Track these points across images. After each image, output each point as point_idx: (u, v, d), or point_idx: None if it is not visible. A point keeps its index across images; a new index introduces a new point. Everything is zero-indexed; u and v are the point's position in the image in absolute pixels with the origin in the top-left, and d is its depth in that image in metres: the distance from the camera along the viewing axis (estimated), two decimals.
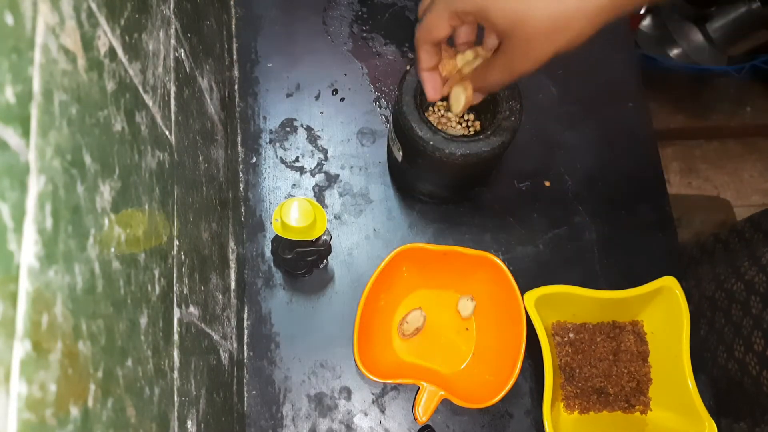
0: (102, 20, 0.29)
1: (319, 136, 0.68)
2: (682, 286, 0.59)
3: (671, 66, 1.39)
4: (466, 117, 0.61)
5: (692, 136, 1.48)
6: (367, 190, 0.66)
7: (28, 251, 0.21)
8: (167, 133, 0.39)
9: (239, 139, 0.67)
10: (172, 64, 0.42)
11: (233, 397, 0.54)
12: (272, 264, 0.63)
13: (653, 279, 0.59)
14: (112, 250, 0.28)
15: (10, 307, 0.19)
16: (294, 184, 0.66)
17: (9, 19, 0.21)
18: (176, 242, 0.40)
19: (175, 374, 0.37)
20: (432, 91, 0.50)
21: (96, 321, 0.26)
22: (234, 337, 0.56)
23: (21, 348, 0.20)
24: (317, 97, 0.69)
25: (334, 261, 0.63)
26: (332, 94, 0.69)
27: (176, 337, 0.38)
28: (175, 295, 0.38)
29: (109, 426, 0.26)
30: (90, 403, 0.25)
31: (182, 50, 0.45)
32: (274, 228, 0.52)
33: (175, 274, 0.39)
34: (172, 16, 0.43)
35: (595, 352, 0.61)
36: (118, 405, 0.28)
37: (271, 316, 0.62)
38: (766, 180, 1.48)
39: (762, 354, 0.63)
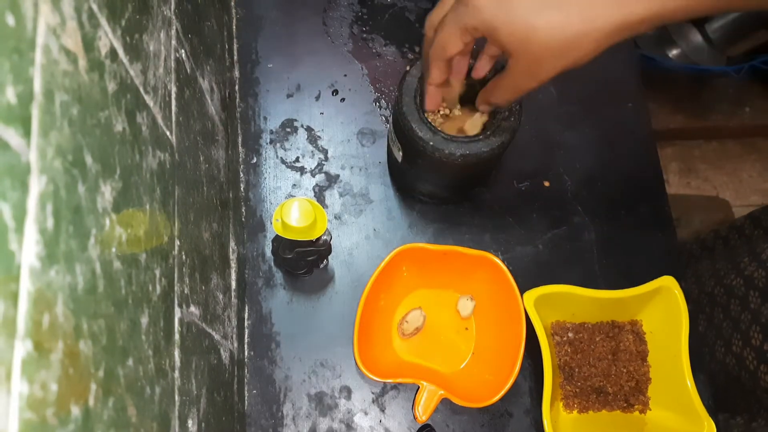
0: (103, 21, 0.29)
1: (319, 137, 0.68)
2: (681, 286, 0.59)
3: (671, 66, 1.39)
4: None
5: (691, 136, 1.48)
6: (367, 190, 0.66)
7: (29, 251, 0.21)
8: (168, 133, 0.39)
9: (240, 139, 0.67)
10: (172, 65, 0.42)
11: (234, 396, 0.54)
12: (273, 264, 0.63)
13: (652, 279, 0.59)
14: (113, 250, 0.28)
15: (11, 307, 0.19)
16: (294, 185, 0.66)
17: (10, 20, 0.21)
18: (177, 242, 0.40)
19: (176, 374, 0.37)
20: (432, 105, 0.54)
21: (97, 321, 0.26)
22: (235, 336, 0.57)
23: (22, 347, 0.20)
24: (317, 98, 0.69)
25: (334, 261, 0.63)
26: (332, 94, 0.70)
27: (177, 336, 0.38)
28: (176, 294, 0.38)
29: (110, 425, 0.26)
30: (91, 402, 0.25)
31: (183, 51, 0.45)
32: (274, 228, 0.52)
33: (176, 274, 0.39)
34: (173, 17, 0.43)
35: (594, 352, 0.61)
36: (119, 404, 0.28)
37: (272, 315, 0.62)
38: (765, 180, 1.48)
39: (759, 348, 0.63)
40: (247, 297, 0.62)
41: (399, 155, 0.60)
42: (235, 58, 0.70)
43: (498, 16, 0.41)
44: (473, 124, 0.56)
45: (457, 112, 0.58)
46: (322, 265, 0.62)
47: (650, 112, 0.71)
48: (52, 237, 0.22)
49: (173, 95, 0.41)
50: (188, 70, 0.47)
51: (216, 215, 0.53)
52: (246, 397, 0.59)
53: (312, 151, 0.67)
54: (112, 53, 0.30)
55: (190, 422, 0.40)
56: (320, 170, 0.67)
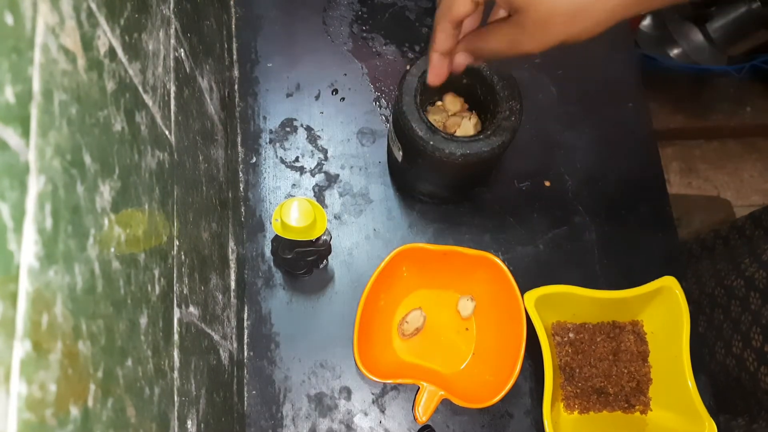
0: (102, 20, 0.29)
1: (319, 136, 0.68)
2: (682, 286, 0.59)
3: (671, 66, 1.39)
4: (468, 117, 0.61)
5: (692, 136, 1.48)
6: (367, 190, 0.66)
7: (28, 251, 0.21)
8: (167, 133, 0.39)
9: (239, 139, 0.67)
10: (171, 64, 0.42)
11: (233, 396, 0.54)
12: (272, 264, 0.63)
13: (653, 279, 0.59)
14: (112, 250, 0.28)
15: (10, 307, 0.19)
16: (294, 184, 0.66)
17: (9, 19, 0.21)
18: (176, 242, 0.40)
19: (175, 374, 0.37)
20: (435, 78, 0.47)
21: (96, 321, 0.26)
22: (234, 337, 0.56)
23: (21, 348, 0.20)
24: (317, 97, 0.69)
25: (334, 261, 0.63)
26: (332, 94, 0.69)
27: (176, 337, 0.38)
28: (175, 295, 0.38)
29: (109, 426, 0.26)
30: (90, 403, 0.25)
31: (182, 50, 0.45)
32: (274, 228, 0.52)
33: (175, 274, 0.39)
34: (172, 16, 0.43)
35: (595, 352, 0.61)
36: (118, 405, 0.28)
37: (271, 316, 0.62)
38: (765, 180, 1.48)
39: (760, 350, 0.63)
40: (246, 297, 0.62)
41: (399, 155, 0.60)
42: (235, 57, 0.70)
43: None
44: (465, 128, 0.55)
45: (452, 112, 0.58)
46: (321, 266, 0.62)
47: (651, 112, 0.71)
48: (51, 237, 0.22)
49: (172, 94, 0.41)
50: (187, 70, 0.47)
51: (215, 215, 0.53)
52: (245, 398, 0.59)
53: (312, 151, 0.67)
54: (111, 52, 0.30)
55: (189, 423, 0.39)
56: (320, 170, 0.67)
